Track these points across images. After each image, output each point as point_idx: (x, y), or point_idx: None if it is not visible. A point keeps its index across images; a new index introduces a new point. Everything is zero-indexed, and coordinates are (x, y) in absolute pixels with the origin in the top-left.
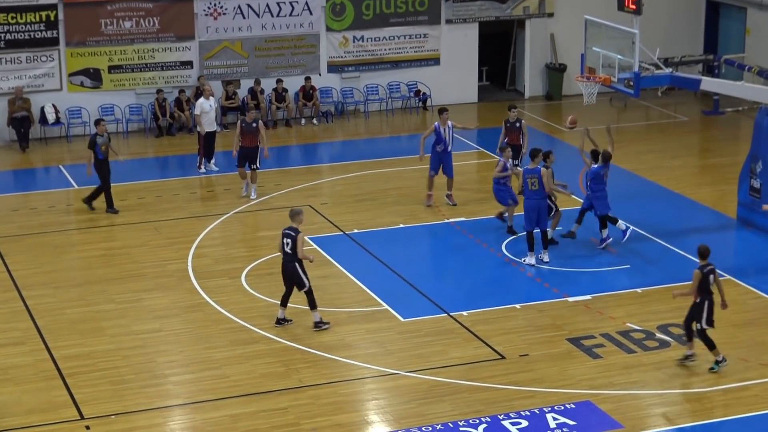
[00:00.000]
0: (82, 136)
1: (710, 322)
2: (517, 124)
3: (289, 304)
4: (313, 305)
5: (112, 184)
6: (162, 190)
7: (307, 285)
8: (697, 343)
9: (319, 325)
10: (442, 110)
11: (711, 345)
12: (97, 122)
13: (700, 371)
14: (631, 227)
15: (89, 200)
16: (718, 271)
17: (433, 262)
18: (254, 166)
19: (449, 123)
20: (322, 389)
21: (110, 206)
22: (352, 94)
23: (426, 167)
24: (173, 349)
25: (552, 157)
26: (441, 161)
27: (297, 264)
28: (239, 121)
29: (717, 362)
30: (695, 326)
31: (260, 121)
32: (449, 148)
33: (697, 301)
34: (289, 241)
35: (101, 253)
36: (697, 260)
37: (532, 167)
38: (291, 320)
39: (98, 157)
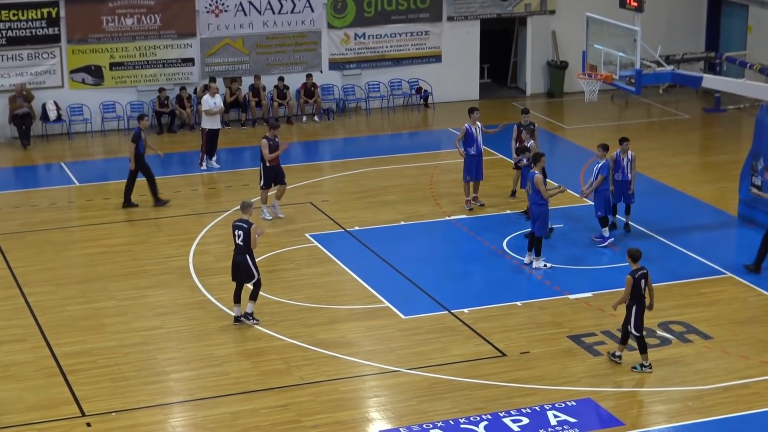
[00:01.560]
0: (84, 133)
1: (639, 329)
2: (531, 127)
3: (285, 301)
4: (254, 297)
5: (115, 181)
6: (163, 187)
7: (256, 276)
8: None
9: (248, 317)
10: (473, 109)
11: (644, 348)
12: (141, 117)
13: (701, 369)
14: (612, 239)
15: (156, 197)
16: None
17: (434, 259)
18: (281, 184)
19: (479, 123)
20: (322, 386)
21: (157, 198)
22: (354, 92)
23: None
24: (174, 346)
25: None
26: (474, 163)
27: (248, 255)
28: (266, 140)
29: (641, 365)
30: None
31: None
32: (480, 149)
33: (627, 304)
34: (240, 233)
35: (102, 250)
36: (700, 256)
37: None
38: (257, 320)
39: (139, 151)
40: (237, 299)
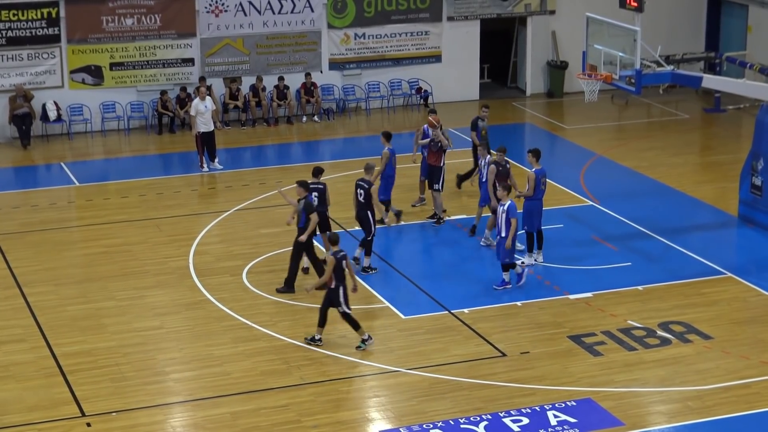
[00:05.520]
0: (83, 133)
1: (348, 305)
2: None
3: (285, 301)
4: (368, 252)
5: (115, 181)
6: (163, 187)
7: (372, 232)
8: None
9: (366, 270)
10: (432, 111)
11: (356, 326)
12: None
13: (701, 369)
14: (510, 285)
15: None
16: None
17: (434, 259)
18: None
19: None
20: (323, 386)
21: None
22: (354, 92)
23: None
24: (174, 346)
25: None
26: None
27: (369, 212)
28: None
29: (363, 341)
30: (338, 310)
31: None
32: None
33: (332, 286)
34: (362, 191)
35: (102, 250)
36: (699, 256)
37: (540, 168)
38: (376, 268)
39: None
40: (367, 252)
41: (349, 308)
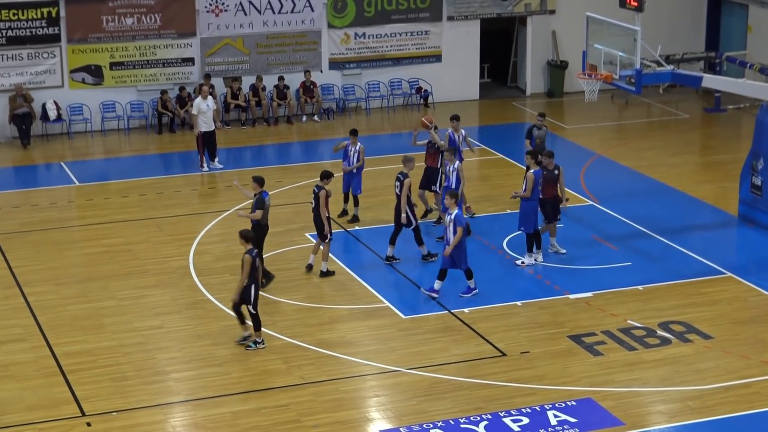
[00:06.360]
0: (84, 132)
1: (256, 306)
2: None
3: (285, 301)
4: (419, 242)
5: (115, 181)
6: (163, 186)
7: (414, 223)
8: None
9: (426, 257)
10: (454, 117)
11: (258, 326)
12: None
13: (702, 369)
14: (437, 295)
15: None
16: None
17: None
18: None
19: (462, 131)
20: (323, 386)
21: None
22: (354, 91)
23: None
24: (174, 345)
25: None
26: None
27: (407, 205)
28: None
29: (255, 342)
30: (248, 308)
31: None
32: (462, 156)
33: (245, 284)
34: (398, 183)
35: (103, 249)
36: (700, 256)
37: (538, 168)
38: (398, 259)
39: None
40: (392, 241)
41: (256, 309)
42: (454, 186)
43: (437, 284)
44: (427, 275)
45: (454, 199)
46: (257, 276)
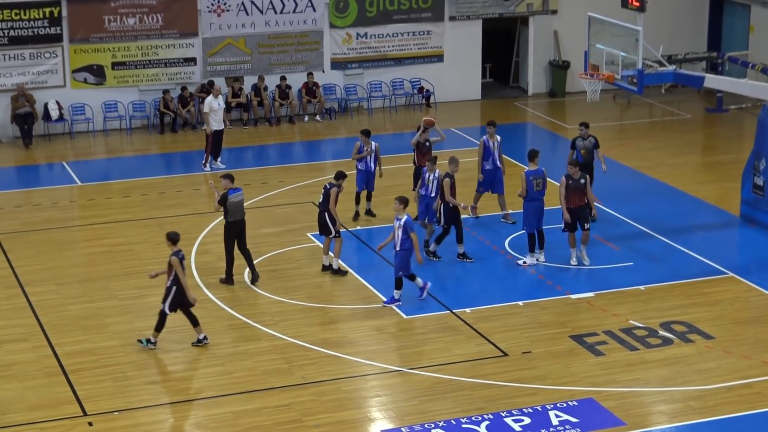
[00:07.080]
0: (85, 132)
1: (172, 308)
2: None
3: (286, 301)
4: (459, 239)
5: (117, 181)
6: (165, 186)
7: (443, 221)
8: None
9: (461, 257)
10: (490, 123)
11: (159, 327)
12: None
13: (703, 369)
14: (400, 302)
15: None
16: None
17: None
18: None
19: (498, 137)
20: (324, 386)
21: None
22: (356, 91)
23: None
24: (176, 345)
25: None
26: (492, 177)
27: (444, 204)
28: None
29: (148, 340)
30: (161, 306)
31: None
32: (498, 163)
33: (168, 285)
34: (436, 183)
35: (104, 249)
36: (701, 256)
37: (534, 168)
38: (438, 257)
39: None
40: (458, 240)
41: (169, 311)
42: (433, 194)
43: (396, 294)
44: (432, 277)
45: (403, 205)
46: (178, 279)
